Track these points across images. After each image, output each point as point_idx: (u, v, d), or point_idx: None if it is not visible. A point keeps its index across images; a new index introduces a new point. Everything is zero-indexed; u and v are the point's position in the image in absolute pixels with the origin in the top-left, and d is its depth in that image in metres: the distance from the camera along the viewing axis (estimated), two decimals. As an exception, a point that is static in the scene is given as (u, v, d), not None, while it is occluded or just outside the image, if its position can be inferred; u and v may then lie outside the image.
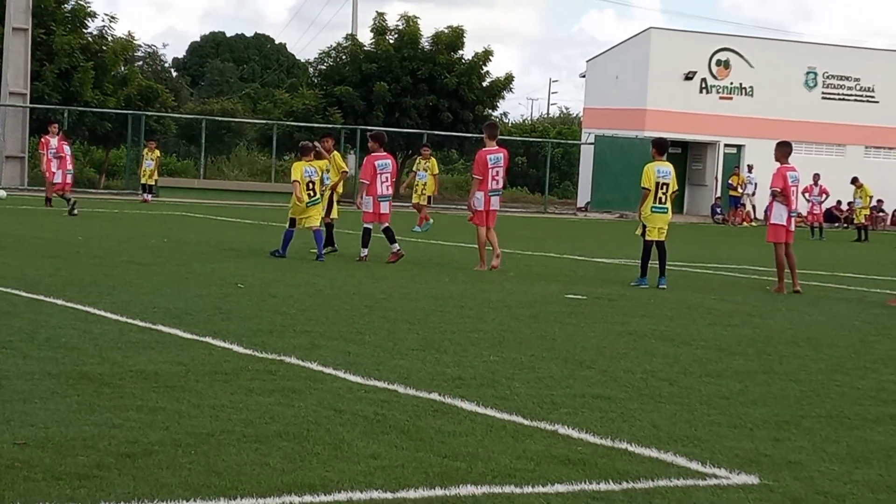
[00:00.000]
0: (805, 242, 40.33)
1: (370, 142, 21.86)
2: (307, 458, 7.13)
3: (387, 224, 21.29)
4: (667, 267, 19.08)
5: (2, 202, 37.63)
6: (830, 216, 51.65)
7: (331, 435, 7.73)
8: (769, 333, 13.96)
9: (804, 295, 18.67)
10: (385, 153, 21.62)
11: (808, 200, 44.39)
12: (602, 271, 22.06)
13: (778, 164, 19.51)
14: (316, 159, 21.82)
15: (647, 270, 19.06)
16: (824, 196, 45.19)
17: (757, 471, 7.38)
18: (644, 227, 19.21)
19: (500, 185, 21.02)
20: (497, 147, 21.01)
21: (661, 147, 19.48)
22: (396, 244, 21.27)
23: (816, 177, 44.49)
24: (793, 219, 19.35)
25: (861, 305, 17.83)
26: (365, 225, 21.32)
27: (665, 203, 19.20)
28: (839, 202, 52.47)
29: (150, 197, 43.93)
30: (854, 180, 44.53)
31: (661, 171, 19.19)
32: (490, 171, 20.60)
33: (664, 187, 19.14)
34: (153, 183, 44.84)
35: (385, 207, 21.26)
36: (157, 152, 45.59)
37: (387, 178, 21.26)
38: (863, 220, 44.25)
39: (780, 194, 19.12)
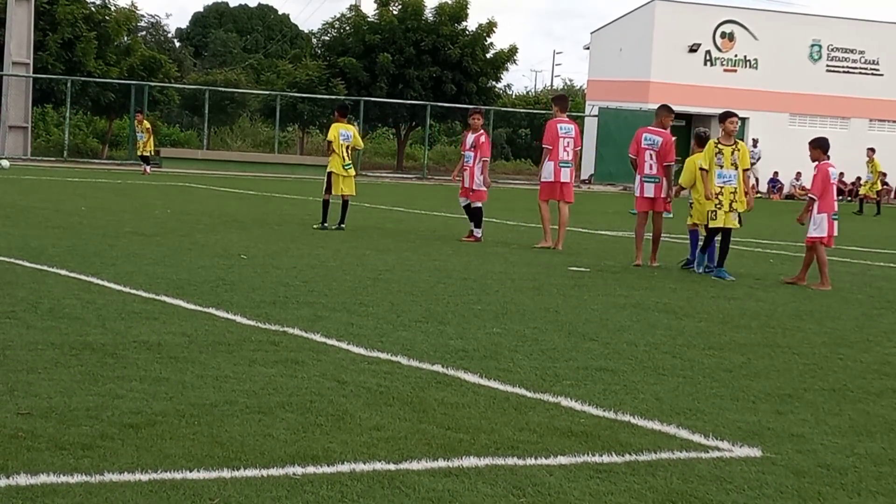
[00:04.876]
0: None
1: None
2: (310, 430, 7.14)
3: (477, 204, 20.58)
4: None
5: (5, 172, 37.63)
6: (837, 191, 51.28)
7: (334, 406, 7.74)
8: (772, 306, 13.96)
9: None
10: (568, 118, 20.63)
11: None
12: (605, 244, 22.05)
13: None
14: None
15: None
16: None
17: (759, 443, 7.39)
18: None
19: (571, 157, 20.22)
20: (568, 119, 20.45)
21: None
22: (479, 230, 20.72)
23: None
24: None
25: (864, 279, 17.82)
26: (478, 204, 20.60)
27: None
28: (841, 174, 52.05)
29: (149, 168, 43.60)
30: (870, 150, 43.67)
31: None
32: (561, 140, 19.98)
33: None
34: (149, 153, 44.32)
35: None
36: (147, 122, 45.02)
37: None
38: (868, 194, 43.65)
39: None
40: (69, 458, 6.31)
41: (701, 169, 16.87)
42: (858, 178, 47.28)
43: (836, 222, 16.55)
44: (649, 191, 18.10)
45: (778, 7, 59.98)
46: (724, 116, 16.98)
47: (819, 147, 16.66)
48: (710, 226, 16.82)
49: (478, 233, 20.61)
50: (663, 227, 18.57)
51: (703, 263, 17.15)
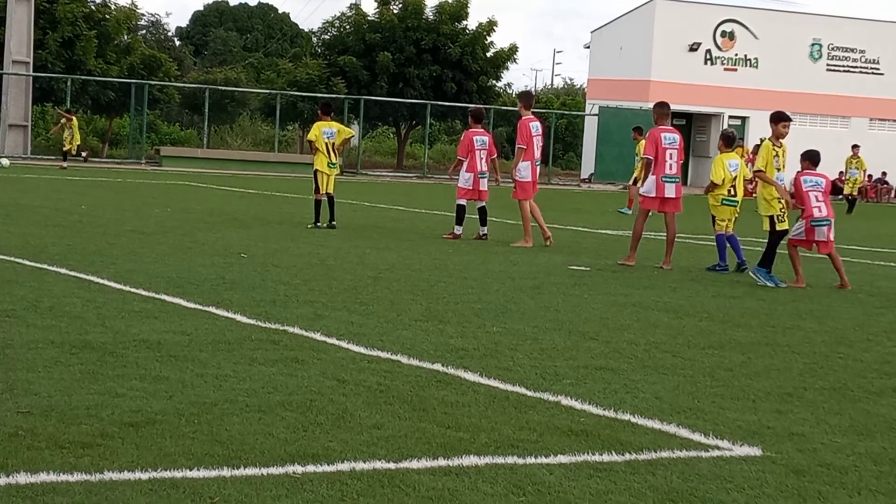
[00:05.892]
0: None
1: (469, 118, 21.55)
2: (310, 428, 7.14)
3: (484, 203, 20.99)
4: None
5: (5, 170, 37.63)
6: (834, 188, 51.00)
7: (334, 405, 7.74)
8: (772, 305, 13.96)
9: (808, 267, 18.64)
10: (483, 129, 21.32)
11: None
12: (605, 243, 22.05)
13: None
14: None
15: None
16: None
17: (760, 443, 7.38)
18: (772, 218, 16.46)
19: (539, 154, 20.52)
20: (534, 116, 20.64)
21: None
22: (485, 227, 20.91)
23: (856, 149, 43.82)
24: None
25: (865, 278, 17.81)
26: (459, 201, 20.99)
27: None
28: (841, 173, 52.03)
29: (65, 164, 42.86)
30: (854, 147, 43.64)
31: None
32: (534, 140, 20.17)
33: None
34: (74, 146, 43.50)
35: (484, 184, 20.95)
36: (75, 119, 44.57)
37: (484, 154, 20.88)
38: (852, 192, 43.40)
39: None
40: (69, 457, 6.31)
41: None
42: (841, 173, 46.17)
43: (818, 228, 16.27)
44: (671, 191, 17.83)
45: (778, 6, 59.95)
46: (777, 119, 16.60)
47: (806, 159, 16.60)
48: (778, 229, 16.36)
49: (457, 230, 20.83)
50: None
51: (761, 272, 16.34)
